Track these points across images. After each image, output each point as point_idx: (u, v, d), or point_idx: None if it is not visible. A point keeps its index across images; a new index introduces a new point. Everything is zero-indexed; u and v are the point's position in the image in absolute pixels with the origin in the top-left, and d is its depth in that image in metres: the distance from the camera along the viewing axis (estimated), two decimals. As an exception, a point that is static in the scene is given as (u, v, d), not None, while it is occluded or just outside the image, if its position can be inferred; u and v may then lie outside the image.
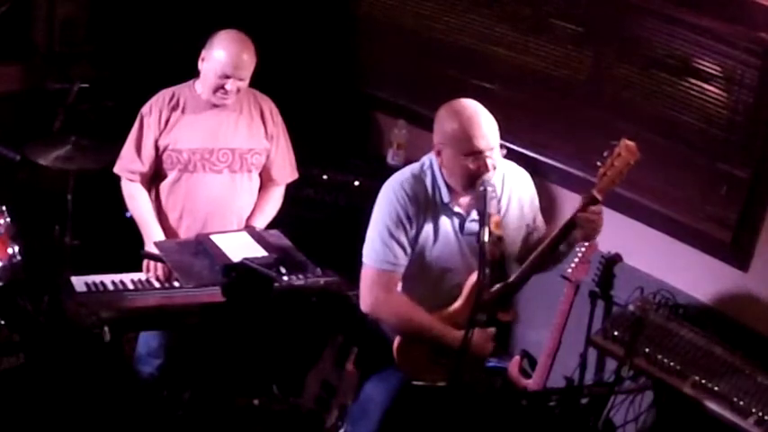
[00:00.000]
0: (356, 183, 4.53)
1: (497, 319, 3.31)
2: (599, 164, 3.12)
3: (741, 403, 3.18)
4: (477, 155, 3.16)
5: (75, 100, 4.50)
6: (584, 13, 4.11)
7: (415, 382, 3.31)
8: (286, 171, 3.97)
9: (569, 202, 3.90)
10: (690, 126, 3.84)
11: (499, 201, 3.25)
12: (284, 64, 4.80)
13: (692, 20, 3.74)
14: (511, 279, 3.29)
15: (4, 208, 3.74)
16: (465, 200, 3.31)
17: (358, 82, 4.97)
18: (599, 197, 3.12)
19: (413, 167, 3.37)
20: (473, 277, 3.24)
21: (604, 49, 4.07)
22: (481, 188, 3.13)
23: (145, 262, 3.77)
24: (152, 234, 3.74)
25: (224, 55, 3.63)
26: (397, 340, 3.33)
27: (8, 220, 3.73)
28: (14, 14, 4.61)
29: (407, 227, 3.27)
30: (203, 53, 3.69)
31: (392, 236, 3.26)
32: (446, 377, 3.25)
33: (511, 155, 3.42)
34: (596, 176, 3.14)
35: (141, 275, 3.76)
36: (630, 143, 3.09)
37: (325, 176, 4.56)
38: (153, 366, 3.96)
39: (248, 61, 3.68)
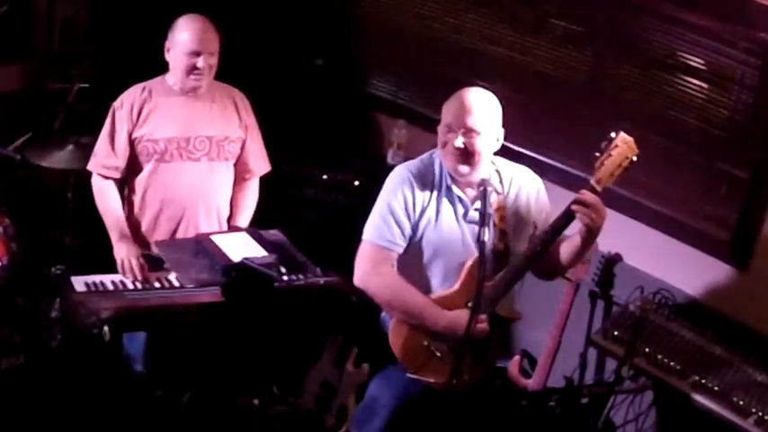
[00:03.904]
0: (356, 183, 4.53)
1: (500, 315, 3.28)
2: (597, 154, 3.08)
3: (741, 403, 3.19)
4: (451, 129, 3.19)
5: (75, 100, 4.50)
6: (584, 13, 4.12)
7: (410, 375, 3.25)
8: (262, 162, 3.97)
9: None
10: (690, 126, 3.84)
11: (506, 196, 3.28)
12: (284, 64, 4.80)
13: (691, 20, 3.75)
14: (510, 265, 3.26)
15: (4, 208, 3.74)
16: (471, 190, 3.30)
17: (358, 82, 4.97)
18: (597, 187, 3.07)
19: (425, 154, 3.40)
20: (469, 261, 3.25)
21: (604, 49, 4.08)
22: (481, 188, 3.13)
23: (119, 261, 3.71)
24: (122, 233, 3.72)
25: (187, 35, 3.65)
26: (391, 323, 3.31)
27: (8, 220, 3.74)
28: (14, 14, 4.61)
29: (409, 208, 3.28)
30: (167, 44, 3.70)
31: (392, 214, 3.28)
32: (444, 372, 3.21)
33: (511, 155, 3.41)
34: (594, 167, 3.09)
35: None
36: (628, 137, 3.06)
37: (325, 176, 4.57)
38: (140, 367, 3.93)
39: (213, 36, 3.69)
